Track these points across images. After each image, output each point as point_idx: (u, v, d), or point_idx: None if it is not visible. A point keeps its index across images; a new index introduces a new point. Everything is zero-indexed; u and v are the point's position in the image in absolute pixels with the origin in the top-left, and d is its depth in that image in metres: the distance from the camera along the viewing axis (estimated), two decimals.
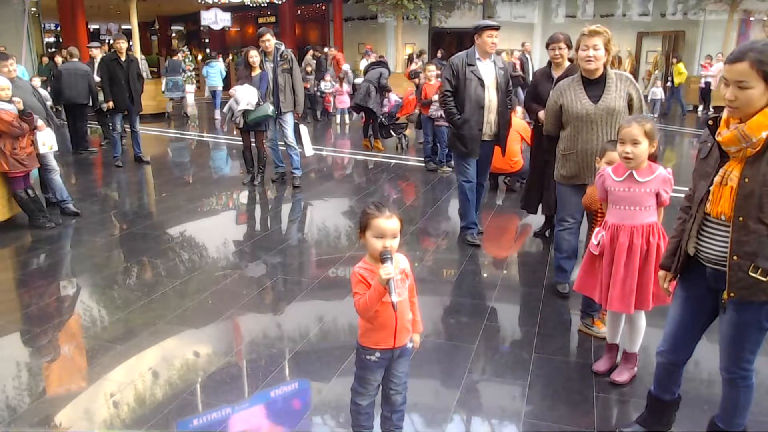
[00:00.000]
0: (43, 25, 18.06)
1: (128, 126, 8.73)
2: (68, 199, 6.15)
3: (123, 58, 8.27)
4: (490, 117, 4.94)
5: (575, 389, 3.05)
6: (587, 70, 3.75)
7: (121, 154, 8.74)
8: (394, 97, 9.95)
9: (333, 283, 4.54)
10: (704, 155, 2.22)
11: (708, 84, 14.64)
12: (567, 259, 4.08)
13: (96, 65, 9.43)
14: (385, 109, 9.84)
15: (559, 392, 3.03)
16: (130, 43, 11.79)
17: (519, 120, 6.88)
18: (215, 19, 16.73)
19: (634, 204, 2.85)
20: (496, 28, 4.86)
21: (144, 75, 10.69)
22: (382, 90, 9.74)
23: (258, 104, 6.83)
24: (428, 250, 5.21)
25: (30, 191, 5.62)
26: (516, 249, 5.49)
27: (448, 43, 21.30)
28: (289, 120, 7.24)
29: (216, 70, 14.56)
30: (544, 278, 4.50)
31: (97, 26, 25.97)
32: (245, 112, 6.86)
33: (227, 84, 14.74)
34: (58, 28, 19.73)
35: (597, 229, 3.06)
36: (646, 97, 13.31)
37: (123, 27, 21.89)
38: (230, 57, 20.33)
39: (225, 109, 7.19)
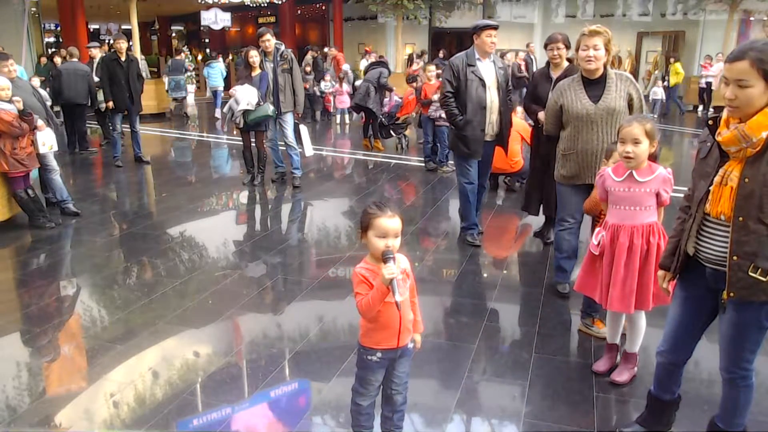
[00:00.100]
0: (43, 25, 18.04)
1: (128, 126, 8.72)
2: (68, 199, 6.15)
3: (123, 58, 8.27)
4: (492, 117, 4.94)
5: (575, 389, 3.05)
6: (587, 70, 3.75)
7: (121, 154, 8.73)
8: (395, 96, 9.95)
9: (333, 283, 4.54)
10: (704, 155, 2.22)
11: (708, 84, 14.63)
12: (567, 259, 4.08)
13: (95, 65, 9.45)
14: (385, 109, 9.84)
15: (559, 392, 3.03)
16: (130, 43, 11.79)
17: (519, 120, 6.89)
18: (215, 19, 16.74)
19: (634, 204, 2.85)
20: (495, 27, 4.86)
21: (144, 75, 10.68)
22: (383, 89, 9.74)
23: (258, 104, 6.83)
24: (428, 250, 5.21)
25: (30, 191, 5.62)
26: (516, 249, 5.50)
27: (448, 43, 21.29)
28: (289, 120, 7.24)
29: (216, 71, 14.57)
30: (544, 278, 4.50)
31: (97, 26, 25.98)
32: (245, 112, 6.86)
33: (228, 84, 14.74)
34: (58, 28, 19.73)
35: (597, 229, 3.06)
36: (646, 97, 13.32)
37: (123, 27, 21.90)
38: (230, 57, 20.32)
39: (225, 109, 7.19)
